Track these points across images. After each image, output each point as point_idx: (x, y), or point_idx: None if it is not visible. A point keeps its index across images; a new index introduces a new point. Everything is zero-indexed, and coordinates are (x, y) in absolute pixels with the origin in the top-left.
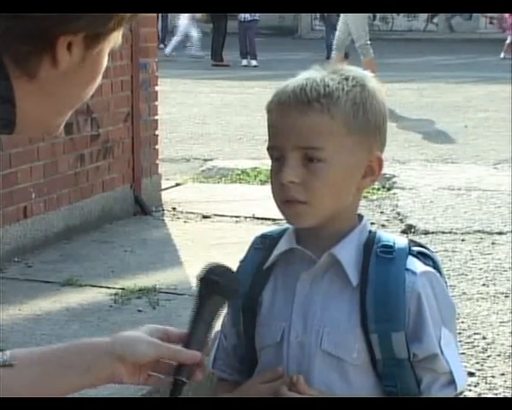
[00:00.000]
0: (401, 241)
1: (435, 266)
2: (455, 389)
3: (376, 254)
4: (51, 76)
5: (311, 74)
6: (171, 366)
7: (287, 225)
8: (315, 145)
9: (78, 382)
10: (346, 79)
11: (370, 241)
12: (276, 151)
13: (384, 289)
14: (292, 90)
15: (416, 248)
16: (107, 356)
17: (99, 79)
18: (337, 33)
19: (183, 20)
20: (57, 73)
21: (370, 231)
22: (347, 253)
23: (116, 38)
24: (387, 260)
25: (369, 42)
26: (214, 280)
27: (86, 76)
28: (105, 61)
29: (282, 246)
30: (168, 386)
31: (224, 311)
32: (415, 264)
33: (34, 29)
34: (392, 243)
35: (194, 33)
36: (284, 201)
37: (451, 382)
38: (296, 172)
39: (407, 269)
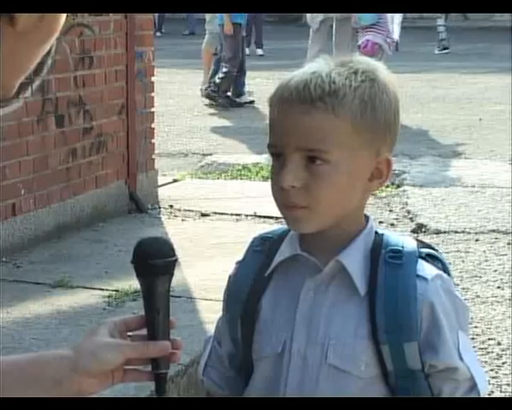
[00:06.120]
0: (409, 243)
1: (444, 267)
2: (478, 394)
3: (385, 260)
4: (9, 35)
5: (318, 67)
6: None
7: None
8: (318, 147)
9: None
10: (355, 72)
11: (378, 245)
12: (276, 149)
13: (394, 298)
14: (295, 87)
15: (424, 250)
16: (72, 373)
17: (54, 38)
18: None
19: None
20: (15, 32)
21: (377, 233)
22: (354, 260)
23: None
24: (396, 266)
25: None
26: (152, 264)
27: (43, 35)
28: (63, 18)
29: (284, 252)
30: (150, 381)
31: (170, 284)
32: (425, 269)
33: None
34: (400, 247)
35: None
36: (284, 205)
37: (473, 387)
38: (297, 175)
39: (418, 275)
